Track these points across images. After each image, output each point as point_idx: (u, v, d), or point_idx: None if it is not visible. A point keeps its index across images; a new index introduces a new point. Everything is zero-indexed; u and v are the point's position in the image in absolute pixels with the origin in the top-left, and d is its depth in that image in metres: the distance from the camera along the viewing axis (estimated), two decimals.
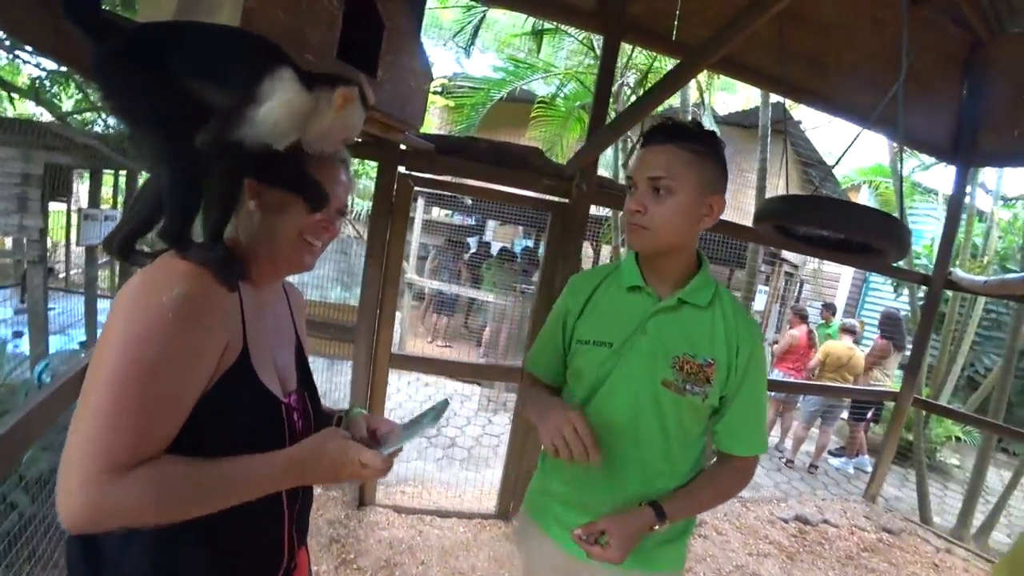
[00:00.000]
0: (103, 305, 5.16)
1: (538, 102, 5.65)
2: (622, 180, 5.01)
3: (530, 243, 9.66)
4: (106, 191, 7.19)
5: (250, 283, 0.80)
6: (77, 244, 5.56)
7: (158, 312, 0.62)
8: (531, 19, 5.53)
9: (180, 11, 1.08)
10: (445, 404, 0.85)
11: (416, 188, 2.28)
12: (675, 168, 1.00)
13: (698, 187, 1.02)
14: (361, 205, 7.15)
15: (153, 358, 0.61)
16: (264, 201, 0.78)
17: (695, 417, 1.09)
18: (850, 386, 5.17)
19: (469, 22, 5.58)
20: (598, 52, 5.04)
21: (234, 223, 0.80)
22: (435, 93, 7.14)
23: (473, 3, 5.25)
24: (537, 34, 5.44)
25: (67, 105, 6.75)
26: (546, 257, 2.53)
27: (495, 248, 8.54)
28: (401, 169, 2.23)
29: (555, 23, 4.93)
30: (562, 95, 5.83)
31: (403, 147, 2.17)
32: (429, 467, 3.90)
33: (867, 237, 1.61)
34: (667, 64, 4.71)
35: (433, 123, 8.35)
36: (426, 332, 7.50)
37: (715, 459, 1.17)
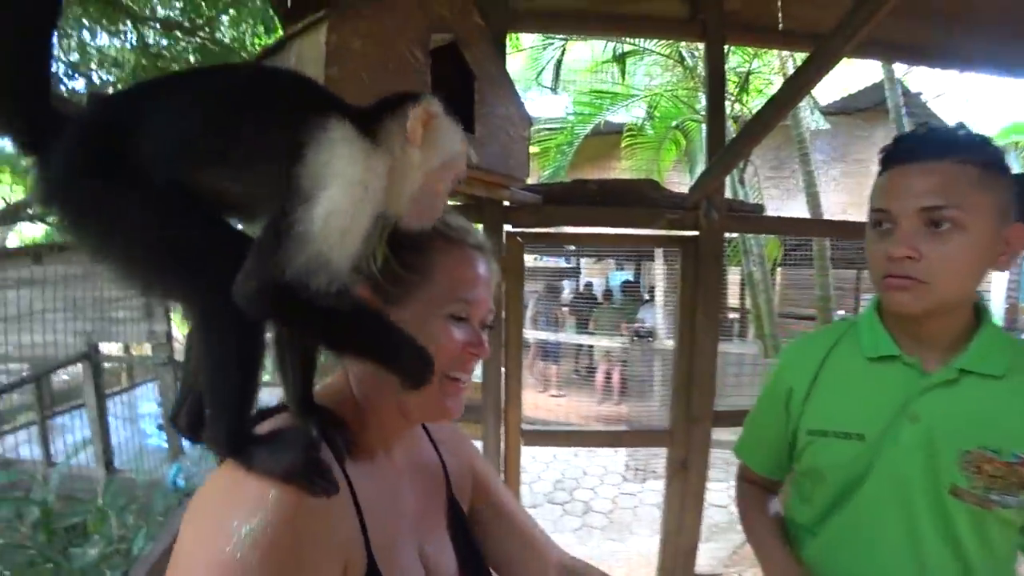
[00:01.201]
0: None
1: (627, 130, 5.37)
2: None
3: (628, 276, 9.19)
4: None
5: (366, 449, 0.58)
6: None
7: (229, 556, 0.42)
8: (607, 48, 5.35)
9: None
10: None
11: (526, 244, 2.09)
12: (960, 192, 0.70)
13: (994, 215, 0.71)
14: None
15: None
16: None
17: (1006, 532, 0.75)
18: None
19: (549, 60, 5.47)
20: (688, 63, 4.72)
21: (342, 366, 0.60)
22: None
23: (548, 40, 5.17)
24: (619, 59, 5.20)
25: None
26: (682, 299, 2.18)
27: (597, 287, 8.21)
28: (508, 227, 2.04)
29: (639, 42, 4.71)
30: (650, 119, 5.51)
31: (506, 203, 1.99)
32: (567, 538, 3.55)
33: None
34: (768, 60, 4.29)
35: None
36: (537, 382, 7.24)
37: None
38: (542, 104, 6.92)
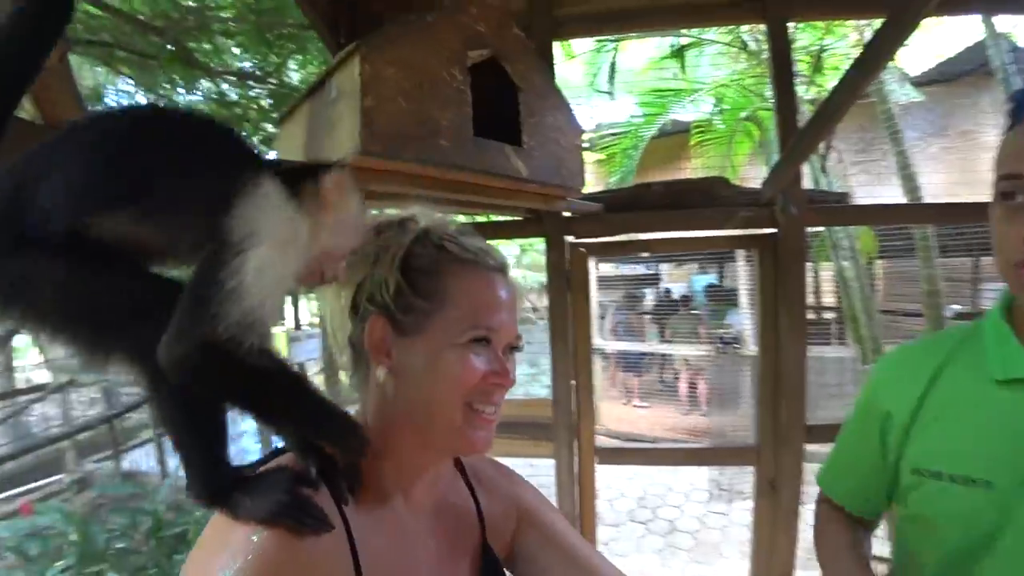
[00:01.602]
0: None
1: (694, 127, 5.13)
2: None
3: (712, 279, 8.71)
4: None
5: (377, 492, 0.55)
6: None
7: None
8: (664, 44, 5.14)
9: (309, 132, 1.02)
10: None
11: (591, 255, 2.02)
12: None
13: None
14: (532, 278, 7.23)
15: None
16: (399, 363, 0.54)
17: None
18: None
19: (601, 64, 5.35)
20: (752, 47, 4.44)
21: (361, 395, 0.58)
22: (583, 150, 7.06)
23: (601, 42, 5.06)
24: (676, 53, 4.96)
25: None
26: (763, 302, 2.02)
27: (677, 293, 7.86)
28: (570, 239, 1.98)
29: (697, 33, 4.50)
30: (719, 111, 5.22)
31: (567, 214, 1.94)
32: (649, 560, 3.38)
33: None
34: (843, 33, 3.94)
35: (588, 182, 8.10)
36: (620, 394, 7.02)
37: None
38: (606, 109, 6.78)
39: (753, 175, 5.22)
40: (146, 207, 0.44)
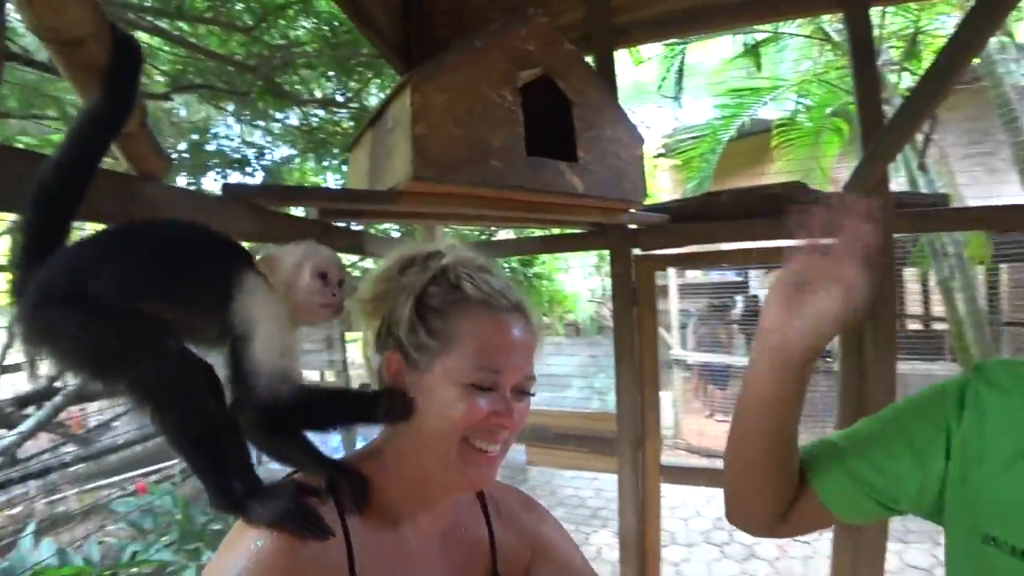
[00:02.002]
0: None
1: (777, 126, 4.84)
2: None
3: None
4: None
5: (382, 513, 0.58)
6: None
7: None
8: (736, 42, 4.90)
9: (371, 159, 1.08)
10: None
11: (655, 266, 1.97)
12: None
13: None
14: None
15: None
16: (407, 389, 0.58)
17: None
18: None
19: (669, 67, 5.18)
20: (836, 38, 4.13)
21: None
22: (658, 157, 6.87)
23: (670, 45, 4.91)
24: (751, 49, 4.68)
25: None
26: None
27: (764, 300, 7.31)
28: (636, 251, 1.94)
29: (773, 28, 4.25)
30: (803, 108, 4.89)
31: (633, 226, 1.91)
32: None
33: None
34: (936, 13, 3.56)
35: (664, 189, 7.86)
36: (703, 407, 6.72)
37: None
38: (685, 112, 6.56)
39: (845, 177, 4.83)
40: (170, 298, 0.57)
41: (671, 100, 5.37)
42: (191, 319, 0.59)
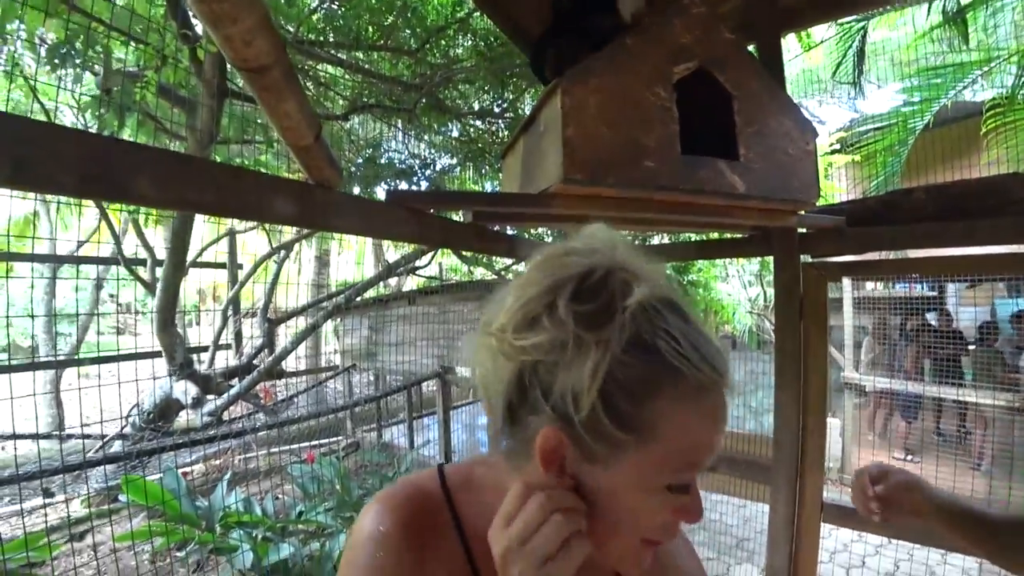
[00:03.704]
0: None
1: (988, 108, 3.95)
2: None
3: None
4: None
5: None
6: None
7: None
8: (932, 9, 4.05)
9: (524, 164, 1.11)
10: None
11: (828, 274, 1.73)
12: None
13: None
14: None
15: None
16: (572, 476, 0.46)
17: None
18: None
19: (846, 50, 4.48)
20: None
21: (511, 460, 0.54)
22: (833, 152, 6.08)
23: (846, 24, 4.26)
24: (956, 17, 3.79)
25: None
26: None
27: (967, 319, 5.98)
28: (805, 258, 1.73)
29: None
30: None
31: (802, 229, 1.70)
32: None
33: None
34: None
35: (840, 189, 6.85)
36: (881, 441, 5.78)
37: None
38: (862, 103, 5.74)
39: None
40: None
41: (848, 87, 4.66)
42: None
